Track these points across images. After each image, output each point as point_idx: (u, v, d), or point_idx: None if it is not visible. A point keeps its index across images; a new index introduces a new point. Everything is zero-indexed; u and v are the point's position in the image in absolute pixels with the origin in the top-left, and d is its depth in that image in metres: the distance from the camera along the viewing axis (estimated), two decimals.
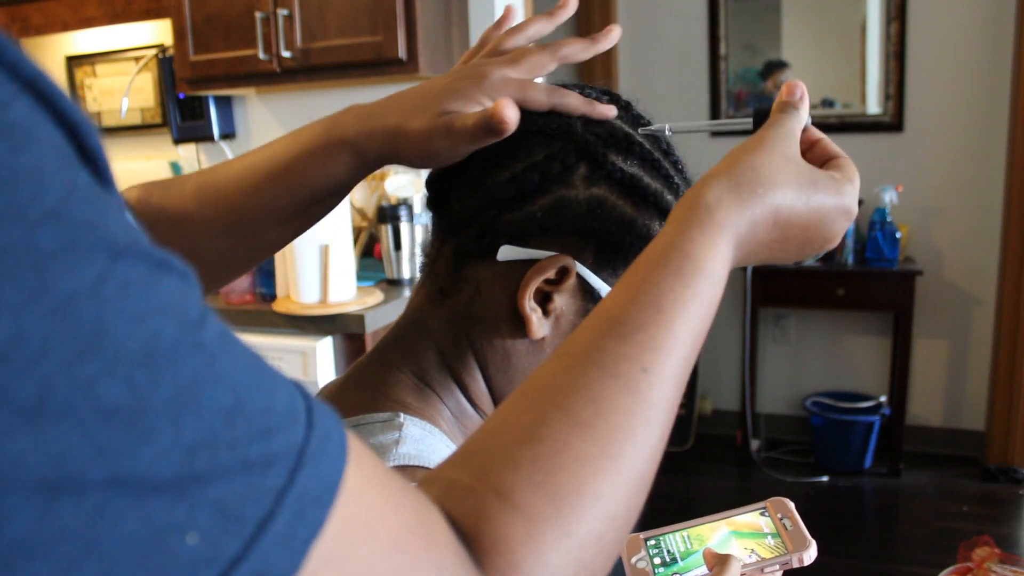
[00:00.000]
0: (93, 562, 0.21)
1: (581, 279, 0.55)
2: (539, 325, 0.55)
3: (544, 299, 0.56)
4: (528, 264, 0.55)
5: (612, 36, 0.59)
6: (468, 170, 0.57)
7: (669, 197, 0.57)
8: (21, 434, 0.20)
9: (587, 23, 3.63)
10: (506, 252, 0.55)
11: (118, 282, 0.22)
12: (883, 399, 3.33)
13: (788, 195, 0.44)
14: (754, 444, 3.42)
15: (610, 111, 0.57)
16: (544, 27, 0.60)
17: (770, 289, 3.28)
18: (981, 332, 3.29)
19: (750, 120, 0.53)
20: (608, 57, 3.58)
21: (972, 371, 3.34)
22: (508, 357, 0.57)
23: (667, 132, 0.58)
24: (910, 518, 3.00)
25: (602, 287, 0.56)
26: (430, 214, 0.63)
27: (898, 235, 3.10)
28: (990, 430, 3.19)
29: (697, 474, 3.40)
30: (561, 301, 0.56)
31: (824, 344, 3.54)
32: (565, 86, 0.59)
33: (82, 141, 0.24)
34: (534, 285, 0.54)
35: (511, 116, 0.49)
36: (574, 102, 0.56)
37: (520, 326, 0.56)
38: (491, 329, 0.57)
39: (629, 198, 0.56)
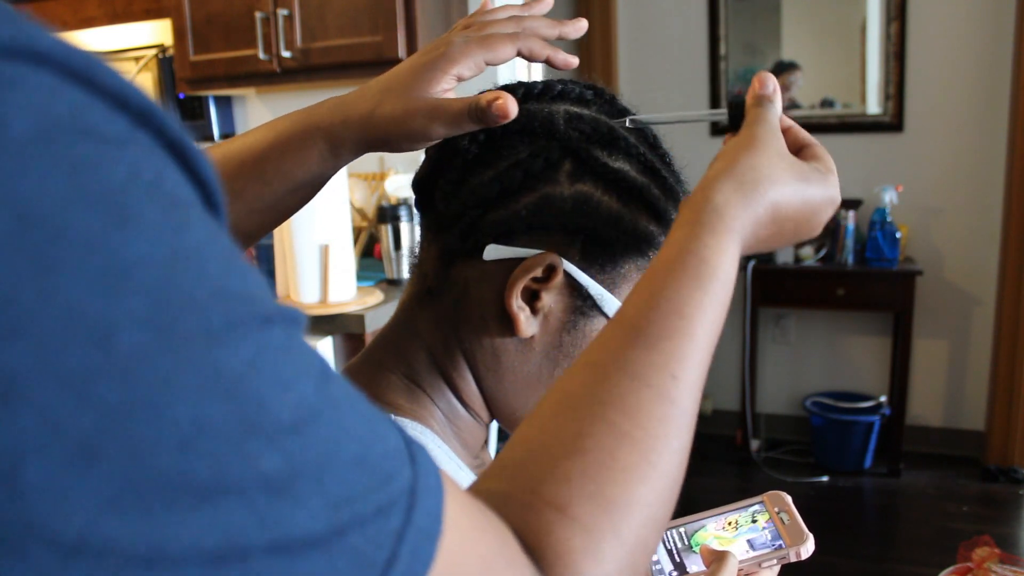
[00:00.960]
0: None
1: (568, 276, 0.55)
2: (527, 324, 0.55)
3: (532, 297, 0.55)
4: (515, 263, 0.54)
5: (579, 26, 0.61)
6: (452, 170, 0.57)
7: (656, 191, 0.57)
8: (197, 513, 0.21)
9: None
10: (492, 251, 0.55)
11: (270, 352, 0.23)
12: (883, 399, 3.33)
13: (786, 192, 0.45)
14: (754, 444, 3.42)
15: (572, 60, 0.59)
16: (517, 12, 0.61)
17: (770, 289, 3.28)
18: (981, 332, 3.29)
19: (725, 113, 0.53)
20: (608, 57, 3.58)
21: (972, 371, 3.34)
22: (497, 357, 0.57)
23: (627, 124, 0.58)
24: (910, 518, 3.00)
25: (590, 284, 0.55)
26: (418, 215, 0.63)
27: (898, 235, 3.10)
28: (990, 430, 3.19)
29: (697, 474, 3.39)
30: (549, 299, 0.55)
31: (824, 344, 3.54)
32: (548, 82, 0.59)
33: (211, 196, 0.25)
34: (521, 284, 0.54)
35: (510, 107, 0.51)
36: (537, 47, 0.56)
37: (508, 325, 0.55)
38: (480, 329, 0.57)
39: (615, 194, 0.55)
